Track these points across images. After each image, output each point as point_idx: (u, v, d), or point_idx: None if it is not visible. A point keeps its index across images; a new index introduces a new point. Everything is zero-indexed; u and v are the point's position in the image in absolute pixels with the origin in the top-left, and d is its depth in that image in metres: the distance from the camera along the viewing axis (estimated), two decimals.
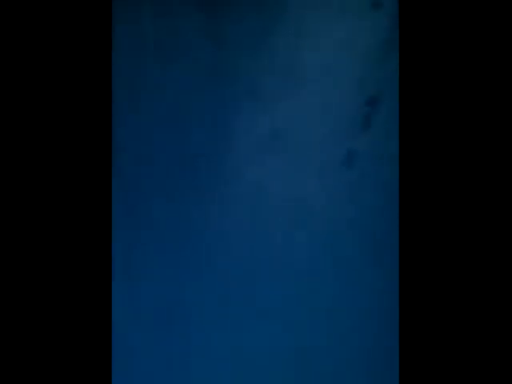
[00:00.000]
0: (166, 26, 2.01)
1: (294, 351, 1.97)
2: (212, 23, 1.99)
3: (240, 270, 1.99)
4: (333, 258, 1.98)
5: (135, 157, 2.01)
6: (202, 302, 1.98)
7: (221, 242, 2.00)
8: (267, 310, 1.98)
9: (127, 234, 2.00)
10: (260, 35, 2.00)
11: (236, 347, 1.97)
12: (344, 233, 1.99)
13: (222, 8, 2.00)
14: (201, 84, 2.00)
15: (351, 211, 1.99)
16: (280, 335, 1.97)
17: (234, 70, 2.00)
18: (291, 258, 1.99)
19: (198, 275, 1.99)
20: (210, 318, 1.98)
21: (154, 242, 2.00)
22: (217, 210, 2.01)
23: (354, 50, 1.98)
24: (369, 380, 1.95)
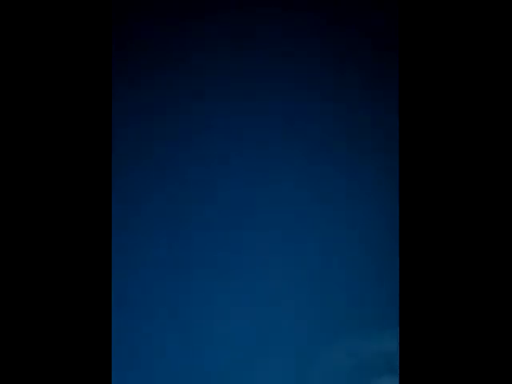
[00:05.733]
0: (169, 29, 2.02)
1: (294, 350, 1.97)
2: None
3: (245, 268, 2.00)
4: (333, 257, 1.99)
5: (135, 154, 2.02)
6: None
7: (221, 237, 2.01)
8: (271, 307, 1.99)
9: (126, 231, 2.01)
10: None
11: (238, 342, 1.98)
12: (344, 233, 1.99)
13: None
14: None
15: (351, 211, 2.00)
16: (282, 334, 1.98)
17: None
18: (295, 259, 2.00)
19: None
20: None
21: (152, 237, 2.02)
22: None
23: None
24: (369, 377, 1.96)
